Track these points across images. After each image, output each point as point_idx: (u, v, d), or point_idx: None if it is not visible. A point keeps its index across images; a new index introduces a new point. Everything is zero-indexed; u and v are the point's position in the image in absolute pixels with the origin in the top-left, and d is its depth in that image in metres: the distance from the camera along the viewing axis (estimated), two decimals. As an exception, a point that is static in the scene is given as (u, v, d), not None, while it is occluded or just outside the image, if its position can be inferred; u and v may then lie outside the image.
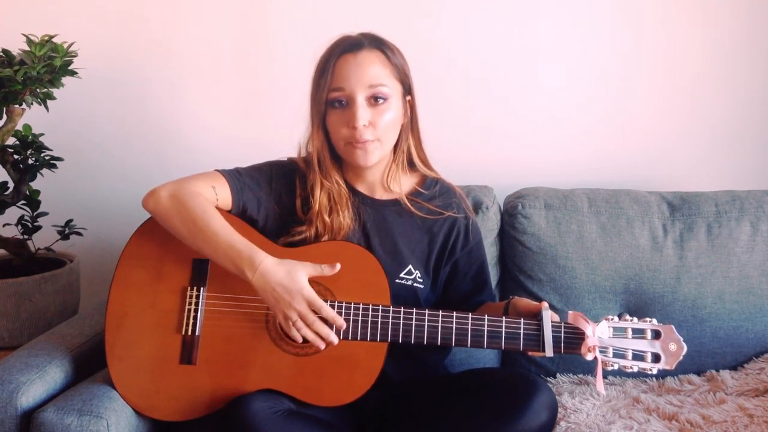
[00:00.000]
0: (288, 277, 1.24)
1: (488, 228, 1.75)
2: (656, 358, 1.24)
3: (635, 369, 1.24)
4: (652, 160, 2.03)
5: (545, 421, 1.23)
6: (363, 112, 1.31)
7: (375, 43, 1.36)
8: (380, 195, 1.44)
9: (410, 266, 1.41)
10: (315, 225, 1.37)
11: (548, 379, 1.70)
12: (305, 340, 1.26)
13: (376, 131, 1.32)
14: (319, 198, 1.37)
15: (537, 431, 1.24)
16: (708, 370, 1.70)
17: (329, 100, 1.34)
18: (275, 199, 1.42)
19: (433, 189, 1.46)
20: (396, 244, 1.41)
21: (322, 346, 1.26)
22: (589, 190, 1.81)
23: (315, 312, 1.25)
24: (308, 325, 1.25)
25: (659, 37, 1.97)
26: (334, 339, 1.26)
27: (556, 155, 2.03)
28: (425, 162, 1.47)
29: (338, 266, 1.28)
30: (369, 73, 1.32)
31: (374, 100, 1.32)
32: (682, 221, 1.73)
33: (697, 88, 1.99)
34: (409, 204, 1.42)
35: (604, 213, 1.74)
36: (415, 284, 1.41)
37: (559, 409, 1.44)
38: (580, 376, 1.70)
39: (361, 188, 1.44)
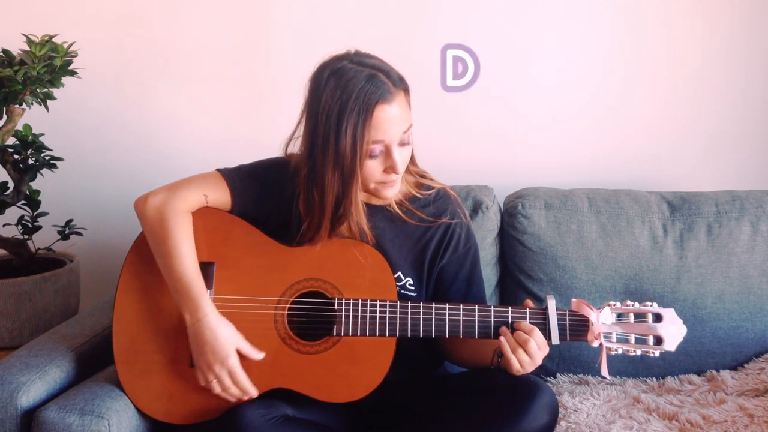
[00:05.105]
0: (220, 342, 1.26)
1: (488, 228, 1.75)
2: (658, 340, 1.26)
3: (638, 352, 1.26)
4: (652, 160, 2.03)
5: (546, 422, 1.23)
6: (399, 157, 1.29)
7: (401, 83, 1.30)
8: (375, 201, 1.43)
9: (399, 273, 1.40)
10: (321, 234, 1.34)
11: (548, 379, 1.71)
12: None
13: (402, 167, 1.31)
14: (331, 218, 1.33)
15: (538, 432, 1.24)
16: (708, 370, 1.70)
17: (366, 151, 1.27)
18: (276, 197, 1.41)
19: (427, 195, 1.45)
20: (386, 251, 1.39)
21: (233, 400, 1.29)
22: (589, 190, 1.81)
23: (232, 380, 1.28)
24: (223, 390, 1.28)
25: (659, 37, 1.97)
26: (244, 399, 1.29)
27: (556, 155, 2.03)
28: (416, 165, 1.45)
29: (262, 355, 1.29)
30: (403, 122, 1.28)
31: (401, 143, 1.30)
32: (682, 221, 1.73)
33: (698, 89, 1.99)
34: (399, 211, 1.41)
35: (604, 213, 1.74)
36: (404, 291, 1.40)
37: (560, 409, 1.43)
38: (580, 376, 1.70)
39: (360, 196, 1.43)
